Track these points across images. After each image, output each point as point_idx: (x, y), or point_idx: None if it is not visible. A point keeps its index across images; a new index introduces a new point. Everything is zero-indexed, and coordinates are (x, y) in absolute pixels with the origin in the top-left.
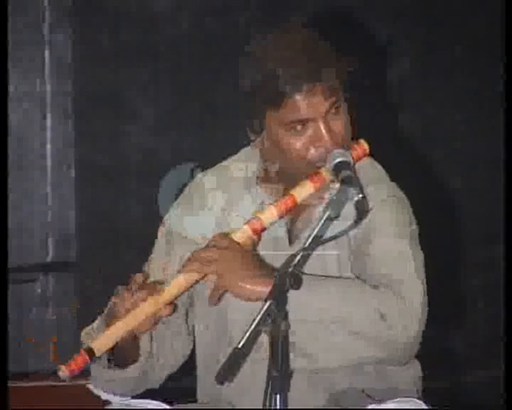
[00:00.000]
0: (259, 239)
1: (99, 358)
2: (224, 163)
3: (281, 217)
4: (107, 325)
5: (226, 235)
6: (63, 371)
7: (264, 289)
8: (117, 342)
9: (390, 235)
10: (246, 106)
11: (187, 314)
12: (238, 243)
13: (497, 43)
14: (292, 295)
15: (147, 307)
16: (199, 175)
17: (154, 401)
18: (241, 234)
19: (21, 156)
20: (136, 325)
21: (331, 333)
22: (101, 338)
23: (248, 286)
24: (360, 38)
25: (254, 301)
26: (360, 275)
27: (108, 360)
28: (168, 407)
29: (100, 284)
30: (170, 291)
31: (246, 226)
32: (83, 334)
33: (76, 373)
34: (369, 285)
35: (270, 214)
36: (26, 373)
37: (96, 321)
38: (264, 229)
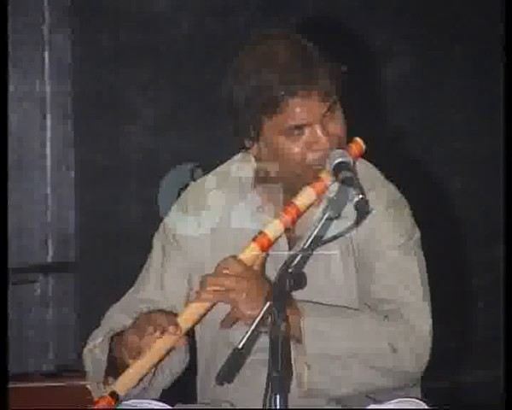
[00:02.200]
0: (267, 254)
1: (97, 374)
2: (218, 169)
3: (287, 229)
4: (113, 350)
5: (236, 258)
6: None
7: None
8: (121, 363)
9: (395, 248)
10: (239, 118)
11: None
12: (251, 269)
13: (497, 43)
14: (308, 326)
15: (166, 342)
16: (192, 183)
17: (155, 401)
18: (250, 253)
19: (21, 156)
20: (156, 360)
21: (344, 365)
22: (124, 378)
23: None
24: (360, 38)
25: None
26: (367, 292)
27: (105, 376)
28: (169, 407)
29: (100, 285)
30: (187, 323)
31: (253, 244)
32: (85, 351)
33: None
34: (379, 316)
35: (276, 228)
36: (26, 374)
37: (98, 339)
38: (271, 244)
